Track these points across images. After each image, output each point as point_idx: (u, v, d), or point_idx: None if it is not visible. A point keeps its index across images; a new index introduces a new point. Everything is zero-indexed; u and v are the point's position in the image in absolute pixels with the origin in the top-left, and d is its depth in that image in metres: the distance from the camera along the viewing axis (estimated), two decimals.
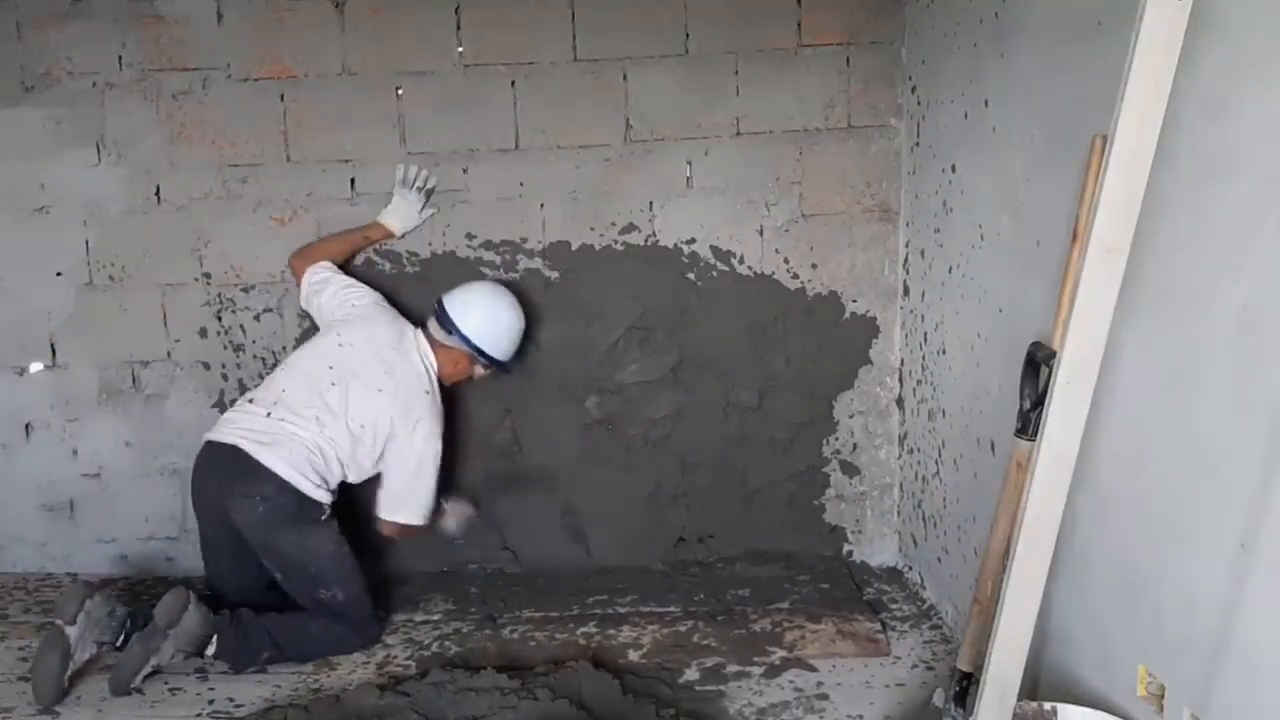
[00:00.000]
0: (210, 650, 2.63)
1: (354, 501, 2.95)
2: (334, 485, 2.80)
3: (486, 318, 2.93)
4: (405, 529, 2.93)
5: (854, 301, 3.21)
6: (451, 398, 3.08)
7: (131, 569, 3.39)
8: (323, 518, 2.76)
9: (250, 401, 2.84)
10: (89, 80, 3.18)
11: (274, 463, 2.68)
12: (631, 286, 3.20)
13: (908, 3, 3.03)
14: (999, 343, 2.44)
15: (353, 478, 2.84)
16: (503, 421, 3.26)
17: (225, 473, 2.72)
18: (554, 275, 3.21)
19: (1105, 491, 1.89)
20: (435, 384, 2.92)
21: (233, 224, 3.22)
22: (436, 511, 2.98)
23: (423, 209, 3.15)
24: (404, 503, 2.88)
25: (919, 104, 2.98)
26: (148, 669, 2.57)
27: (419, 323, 3.01)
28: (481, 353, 2.93)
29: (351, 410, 2.79)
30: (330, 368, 2.83)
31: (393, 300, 3.15)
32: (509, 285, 3.19)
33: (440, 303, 2.95)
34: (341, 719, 2.38)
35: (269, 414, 2.77)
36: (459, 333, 2.90)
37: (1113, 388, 1.79)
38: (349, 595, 2.79)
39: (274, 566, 2.75)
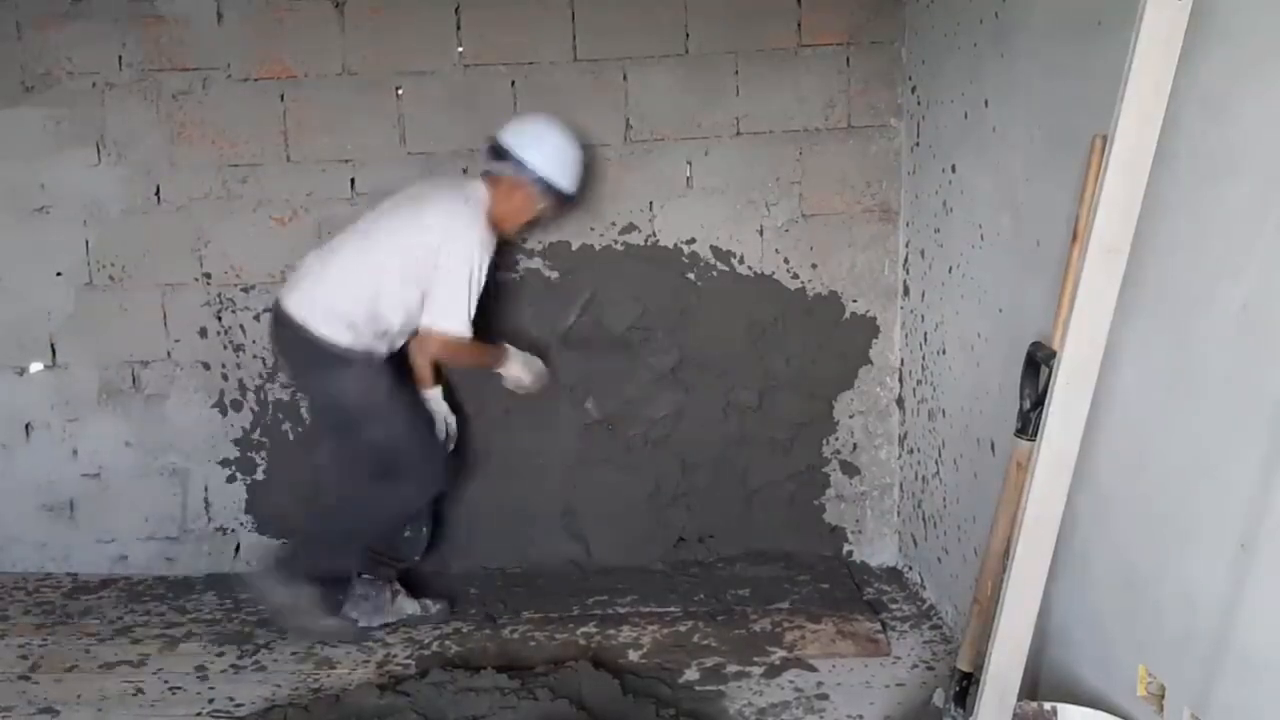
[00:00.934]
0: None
1: None
2: (358, 323, 2.71)
3: (541, 140, 2.80)
4: (451, 347, 2.78)
5: (854, 301, 3.21)
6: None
7: (131, 569, 3.40)
8: (349, 363, 2.71)
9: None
10: (89, 80, 3.18)
11: (292, 306, 2.73)
12: (631, 286, 3.20)
13: (908, 3, 3.03)
14: (999, 343, 2.44)
15: (386, 308, 2.74)
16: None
17: (273, 339, 2.89)
18: (554, 275, 3.21)
19: (1105, 491, 1.89)
20: (480, 202, 2.79)
21: (233, 224, 3.22)
22: (501, 355, 2.93)
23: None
24: (443, 312, 2.72)
25: (919, 104, 2.98)
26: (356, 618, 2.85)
27: None
28: (539, 178, 2.78)
29: (384, 225, 2.76)
30: (379, 205, 2.85)
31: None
32: (509, 285, 3.20)
33: (496, 139, 2.81)
34: (341, 718, 2.38)
35: (319, 256, 2.81)
36: (512, 157, 2.77)
37: (1113, 388, 1.79)
38: (390, 435, 2.77)
39: (317, 417, 2.86)
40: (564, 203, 2.89)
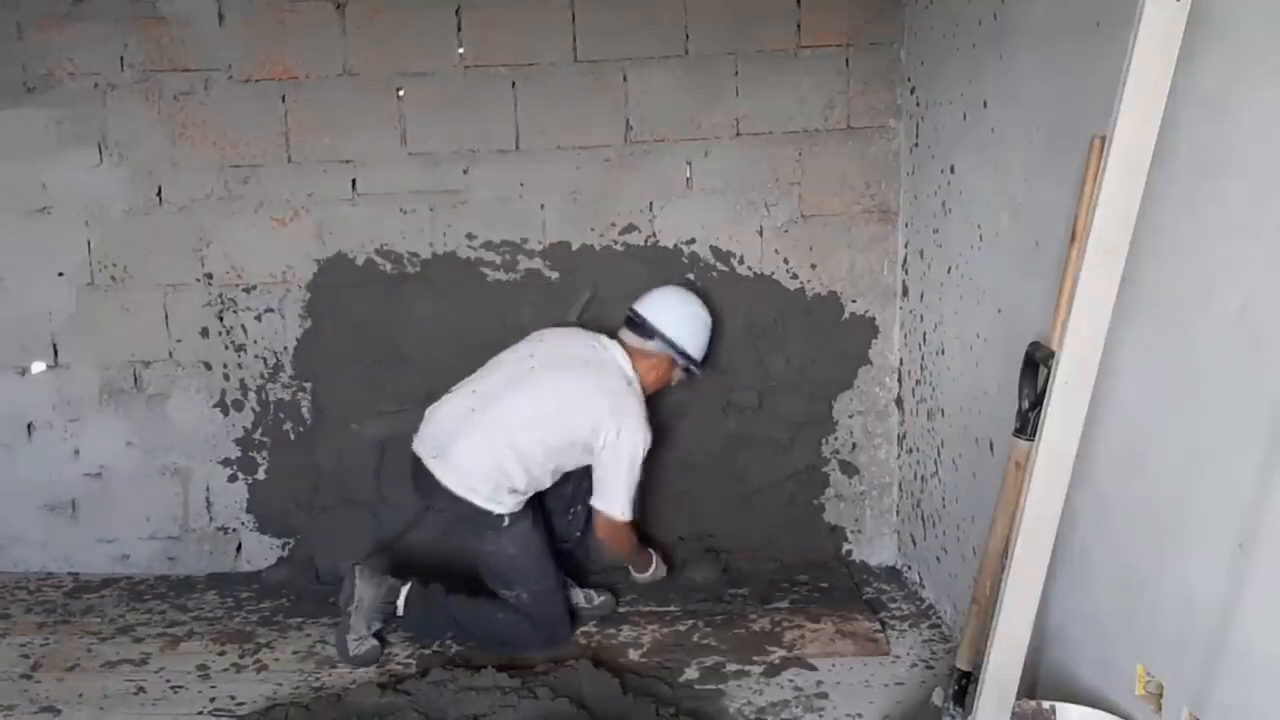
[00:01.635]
0: (399, 610, 2.80)
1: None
2: (519, 489, 2.77)
3: (685, 317, 2.93)
4: (611, 529, 2.83)
5: (853, 302, 3.22)
6: None
7: (133, 568, 3.40)
8: (504, 525, 2.76)
9: (451, 393, 2.88)
10: (90, 81, 3.19)
11: (448, 480, 2.74)
12: (632, 287, 3.19)
13: (907, 4, 3.04)
14: (998, 343, 2.44)
15: (542, 471, 2.80)
16: None
17: (415, 484, 2.86)
18: (554, 275, 3.22)
19: (1104, 491, 1.90)
20: (637, 382, 2.86)
21: (234, 224, 3.23)
22: (647, 562, 3.05)
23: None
24: (604, 493, 2.79)
25: (918, 105, 2.98)
26: (356, 641, 2.73)
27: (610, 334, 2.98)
28: (684, 354, 2.90)
29: (548, 390, 2.78)
30: (531, 355, 2.87)
31: (394, 300, 3.15)
32: (509, 285, 3.21)
33: (634, 310, 2.93)
34: (342, 717, 2.38)
35: (469, 406, 2.80)
36: (661, 336, 2.87)
37: (1112, 388, 1.79)
38: (534, 595, 2.79)
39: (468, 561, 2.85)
40: (697, 368, 2.98)
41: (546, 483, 2.84)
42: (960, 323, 2.70)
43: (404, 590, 2.80)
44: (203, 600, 3.19)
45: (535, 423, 2.74)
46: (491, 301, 3.21)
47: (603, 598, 3.03)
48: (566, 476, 2.91)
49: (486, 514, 2.73)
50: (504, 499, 2.74)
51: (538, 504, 2.89)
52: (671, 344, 2.88)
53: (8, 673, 2.74)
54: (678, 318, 2.91)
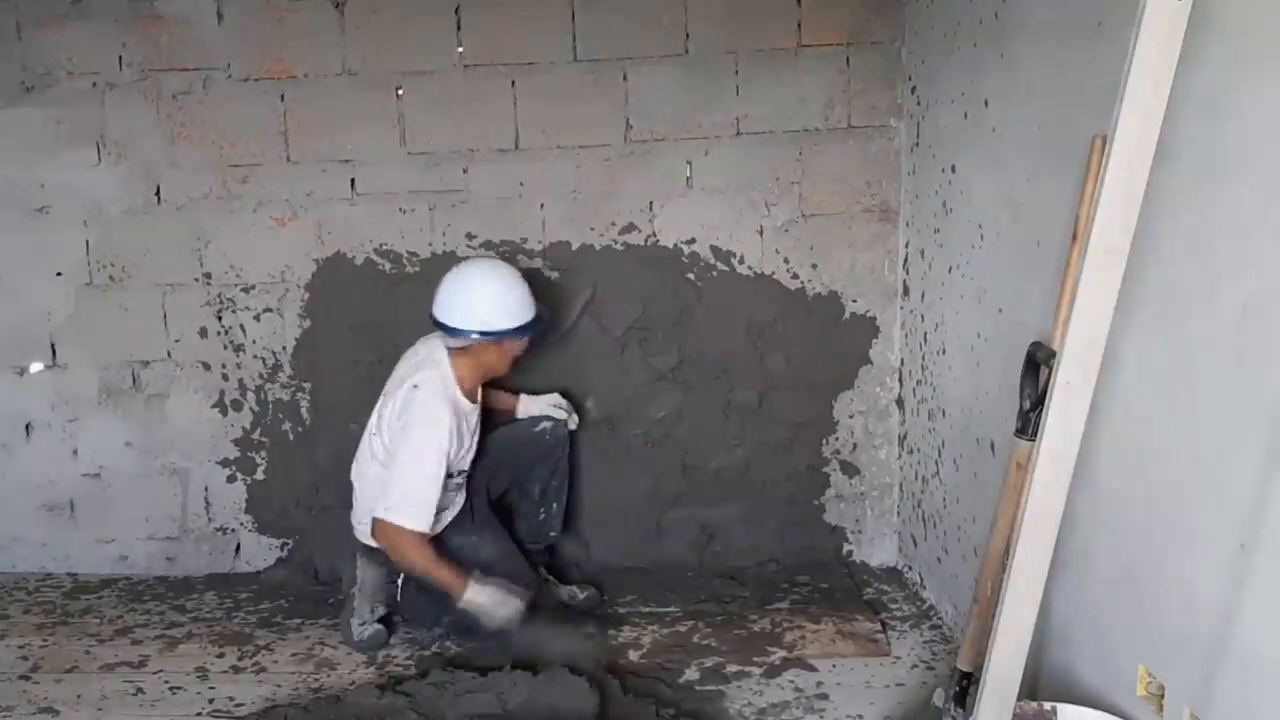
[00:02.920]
0: (399, 595, 2.79)
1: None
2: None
3: (487, 298, 2.71)
4: (387, 538, 2.64)
5: (854, 301, 3.21)
6: None
7: (132, 569, 3.40)
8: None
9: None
10: (89, 80, 3.18)
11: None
12: (631, 286, 3.20)
13: (908, 3, 3.03)
14: (999, 343, 2.44)
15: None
16: None
17: None
18: (554, 275, 3.21)
19: (1105, 491, 1.89)
20: (453, 382, 2.74)
21: (233, 224, 3.23)
22: (440, 572, 2.64)
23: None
24: (388, 496, 2.63)
25: (919, 104, 2.98)
26: (360, 626, 2.76)
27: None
28: (496, 333, 2.70)
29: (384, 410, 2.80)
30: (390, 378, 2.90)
31: (393, 300, 3.14)
32: None
33: (432, 315, 2.75)
34: (341, 719, 2.38)
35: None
36: (462, 332, 2.70)
37: (1113, 388, 1.78)
38: (497, 556, 2.78)
39: None
40: (531, 331, 2.79)
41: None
42: (961, 322, 2.70)
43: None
44: (201, 601, 3.18)
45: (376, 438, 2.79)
46: None
47: (586, 593, 3.03)
48: (535, 477, 2.95)
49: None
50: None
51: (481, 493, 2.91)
52: (465, 333, 2.69)
53: (6, 674, 2.73)
54: (462, 305, 2.69)
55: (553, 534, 3.12)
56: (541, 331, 2.89)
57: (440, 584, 2.63)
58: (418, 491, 2.64)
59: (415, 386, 2.71)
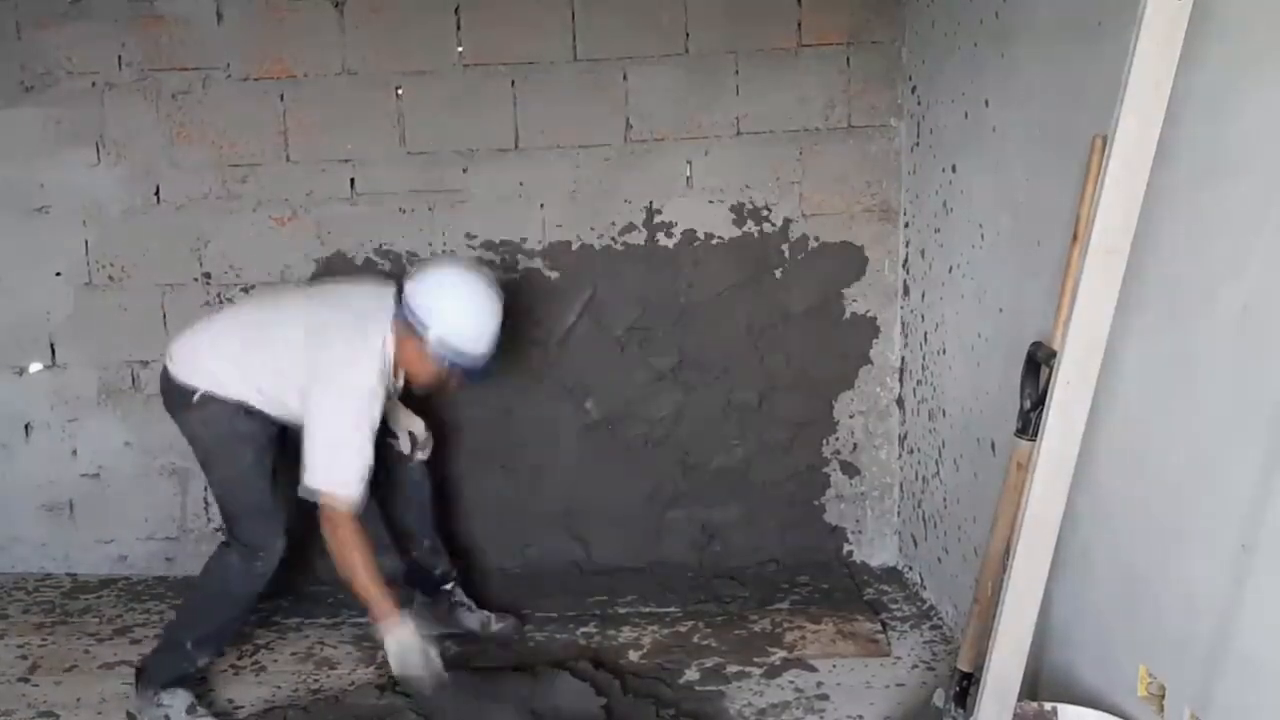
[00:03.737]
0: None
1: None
2: (208, 368, 2.45)
3: (467, 312, 2.39)
4: (330, 523, 2.35)
5: (854, 301, 3.21)
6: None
7: (131, 569, 3.39)
8: (194, 399, 2.43)
9: None
10: (89, 80, 3.18)
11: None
12: (632, 286, 3.20)
13: (908, 3, 3.03)
14: (999, 343, 2.43)
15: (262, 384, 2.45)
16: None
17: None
18: (554, 275, 3.21)
19: (1105, 491, 1.89)
20: (367, 360, 2.36)
21: (232, 224, 3.22)
22: (370, 592, 2.32)
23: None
24: (312, 462, 2.34)
25: (919, 104, 2.98)
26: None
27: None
28: (454, 358, 2.38)
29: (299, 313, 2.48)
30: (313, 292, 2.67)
31: None
32: (509, 286, 3.19)
33: (402, 284, 2.42)
34: (341, 719, 2.38)
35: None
36: (430, 333, 2.36)
37: (1113, 388, 1.78)
38: (225, 493, 2.48)
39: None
40: (471, 375, 2.43)
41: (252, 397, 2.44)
42: (961, 322, 2.69)
43: None
44: None
45: (267, 328, 2.47)
46: None
47: (503, 623, 2.82)
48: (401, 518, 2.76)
49: (181, 386, 2.44)
50: (190, 374, 2.44)
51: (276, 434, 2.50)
52: (425, 326, 2.34)
53: (5, 674, 2.73)
54: (446, 302, 2.37)
55: (439, 570, 2.85)
56: (474, 377, 2.50)
57: (368, 607, 2.34)
58: (332, 459, 2.36)
59: (376, 341, 2.39)
